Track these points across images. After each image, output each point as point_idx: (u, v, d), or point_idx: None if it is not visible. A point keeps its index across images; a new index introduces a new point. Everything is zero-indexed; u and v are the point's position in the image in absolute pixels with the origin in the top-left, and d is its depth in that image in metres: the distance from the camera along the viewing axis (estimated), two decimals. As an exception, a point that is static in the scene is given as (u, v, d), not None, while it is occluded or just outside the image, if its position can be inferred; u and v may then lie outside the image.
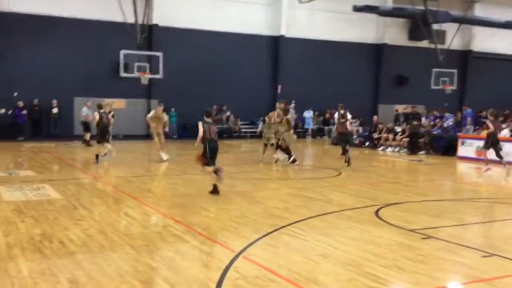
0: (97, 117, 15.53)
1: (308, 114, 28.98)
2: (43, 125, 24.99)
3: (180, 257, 6.10)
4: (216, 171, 10.00)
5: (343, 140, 16.44)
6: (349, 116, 16.79)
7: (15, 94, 24.07)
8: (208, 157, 10.10)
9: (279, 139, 15.51)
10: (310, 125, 29.08)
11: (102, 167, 14.79)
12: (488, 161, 14.06)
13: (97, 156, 15.18)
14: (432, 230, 7.58)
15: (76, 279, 5.22)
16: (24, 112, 24.14)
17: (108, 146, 15.53)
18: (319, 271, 5.66)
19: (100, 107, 15.85)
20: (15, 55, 24.02)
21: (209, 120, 10.40)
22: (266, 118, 16.47)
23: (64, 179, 12.18)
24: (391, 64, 31.91)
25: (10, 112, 24.17)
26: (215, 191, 10.12)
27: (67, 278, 5.23)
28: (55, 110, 24.29)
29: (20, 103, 23.97)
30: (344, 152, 15.82)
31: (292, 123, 18.50)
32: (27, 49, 24.12)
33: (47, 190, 10.47)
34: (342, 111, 16.24)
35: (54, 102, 24.35)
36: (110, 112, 16.51)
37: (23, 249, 6.23)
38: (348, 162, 15.26)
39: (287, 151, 15.61)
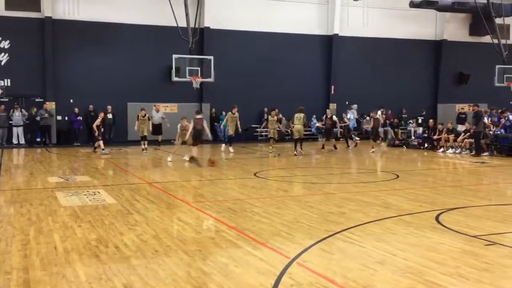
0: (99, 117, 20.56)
1: (350, 114, 26.57)
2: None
3: (233, 263, 6.03)
4: (191, 158, 15.72)
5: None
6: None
7: (71, 100, 24.80)
8: (196, 139, 15.86)
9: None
10: (354, 125, 26.69)
11: (155, 172, 14.97)
12: (375, 145, 21.37)
13: (94, 148, 20.49)
14: (497, 236, 7.23)
15: (131, 284, 5.24)
16: (80, 118, 24.83)
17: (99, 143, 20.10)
18: (376, 278, 5.46)
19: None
20: (69, 62, 24.79)
21: (198, 116, 16.14)
22: (269, 116, 20.35)
23: (118, 184, 12.40)
24: (451, 61, 30.92)
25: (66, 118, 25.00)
26: (192, 159, 15.67)
27: (122, 284, 5.26)
28: (109, 116, 24.74)
29: (76, 109, 24.68)
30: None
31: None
32: (80, 56, 24.80)
33: (102, 195, 10.67)
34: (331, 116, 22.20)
35: (109, 108, 24.87)
36: (144, 116, 20.59)
37: (80, 254, 6.32)
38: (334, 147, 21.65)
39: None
